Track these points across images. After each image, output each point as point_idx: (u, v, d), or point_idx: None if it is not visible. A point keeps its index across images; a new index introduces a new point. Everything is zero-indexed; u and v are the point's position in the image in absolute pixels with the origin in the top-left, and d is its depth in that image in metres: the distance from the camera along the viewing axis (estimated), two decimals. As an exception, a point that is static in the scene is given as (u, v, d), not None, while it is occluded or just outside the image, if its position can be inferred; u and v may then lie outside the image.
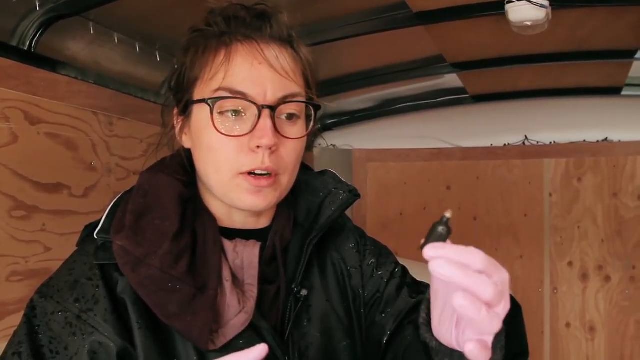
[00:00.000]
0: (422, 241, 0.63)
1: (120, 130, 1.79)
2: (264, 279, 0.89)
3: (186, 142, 0.92)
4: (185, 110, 0.90)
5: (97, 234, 0.85)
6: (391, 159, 3.33)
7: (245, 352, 0.66)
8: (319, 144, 3.26)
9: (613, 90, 2.80)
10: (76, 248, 0.90)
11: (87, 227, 0.90)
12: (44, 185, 1.52)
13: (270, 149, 0.83)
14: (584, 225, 3.02)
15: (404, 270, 1.06)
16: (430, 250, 0.61)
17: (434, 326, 0.74)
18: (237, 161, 0.84)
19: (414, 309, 0.97)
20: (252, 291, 0.86)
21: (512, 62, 2.46)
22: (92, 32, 1.71)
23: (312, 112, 0.90)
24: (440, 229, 0.63)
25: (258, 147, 0.83)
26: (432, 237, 0.63)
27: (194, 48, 0.88)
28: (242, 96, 0.83)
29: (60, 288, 0.83)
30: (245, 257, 0.89)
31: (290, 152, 0.87)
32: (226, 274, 0.86)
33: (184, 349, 0.81)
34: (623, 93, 2.80)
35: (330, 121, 3.26)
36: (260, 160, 0.83)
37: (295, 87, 0.87)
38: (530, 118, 3.09)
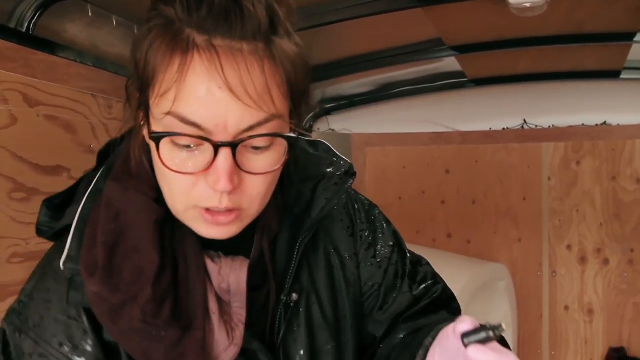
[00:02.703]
0: (465, 331, 0.69)
1: (119, 113, 1.77)
2: (251, 286, 0.81)
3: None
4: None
5: (63, 264, 0.75)
6: (390, 143, 3.33)
7: None
8: (318, 129, 3.26)
9: (612, 74, 2.79)
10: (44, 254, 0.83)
11: (46, 204, 0.85)
12: (44, 167, 1.52)
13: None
14: (583, 209, 3.02)
15: (401, 251, 1.02)
16: (474, 351, 0.67)
17: None
18: (191, 196, 0.73)
19: (411, 305, 0.97)
20: (241, 315, 0.80)
21: (511, 45, 2.44)
22: (90, 14, 1.70)
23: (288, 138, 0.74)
24: (489, 333, 0.67)
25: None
26: (478, 335, 0.68)
27: (153, 34, 0.70)
28: (196, 129, 0.68)
29: (37, 323, 0.76)
30: (232, 281, 0.80)
31: (258, 186, 0.74)
32: (212, 306, 0.78)
33: None
34: (622, 76, 2.78)
35: (328, 105, 3.25)
36: (218, 200, 0.71)
37: (262, 114, 0.69)
38: (529, 102, 3.08)
